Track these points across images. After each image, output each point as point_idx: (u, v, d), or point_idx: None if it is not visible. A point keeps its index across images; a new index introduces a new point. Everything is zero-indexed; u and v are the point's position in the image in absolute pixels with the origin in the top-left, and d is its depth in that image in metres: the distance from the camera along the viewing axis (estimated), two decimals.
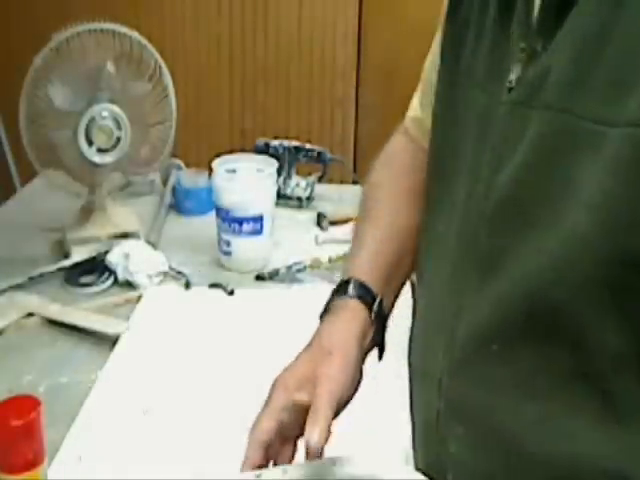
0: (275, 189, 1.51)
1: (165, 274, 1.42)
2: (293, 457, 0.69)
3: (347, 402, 0.69)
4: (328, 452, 0.64)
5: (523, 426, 0.60)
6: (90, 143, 1.43)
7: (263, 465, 0.67)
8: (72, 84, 1.43)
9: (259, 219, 1.44)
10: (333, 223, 1.63)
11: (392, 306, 0.80)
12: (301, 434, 0.66)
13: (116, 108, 1.43)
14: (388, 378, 0.93)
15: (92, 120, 1.42)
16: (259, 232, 1.45)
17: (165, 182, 1.78)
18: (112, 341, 1.21)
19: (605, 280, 0.53)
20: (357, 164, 2.54)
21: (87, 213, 1.53)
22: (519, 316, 0.58)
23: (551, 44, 0.57)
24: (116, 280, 1.40)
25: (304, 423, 0.65)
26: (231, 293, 1.37)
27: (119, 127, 1.44)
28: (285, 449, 0.68)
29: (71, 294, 1.37)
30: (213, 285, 1.39)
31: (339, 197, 1.76)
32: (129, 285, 1.39)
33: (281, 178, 1.69)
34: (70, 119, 1.43)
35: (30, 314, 1.28)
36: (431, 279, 0.73)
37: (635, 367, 0.54)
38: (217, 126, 2.77)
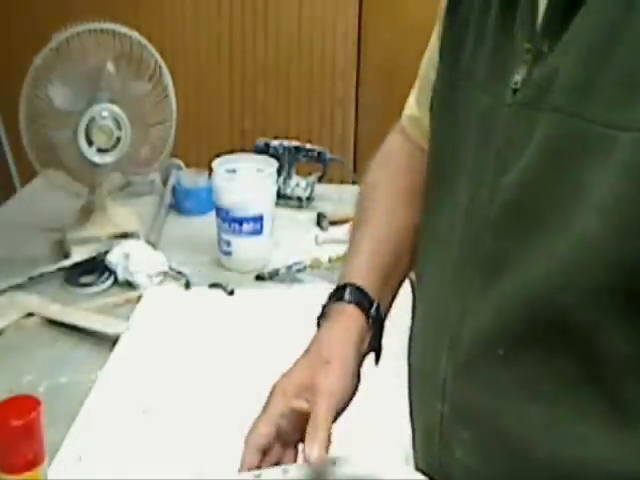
0: (275, 189, 1.51)
1: (165, 274, 1.42)
2: (296, 461, 0.69)
3: (345, 408, 0.69)
4: (328, 451, 0.64)
5: (530, 430, 0.60)
6: (90, 143, 1.43)
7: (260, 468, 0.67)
8: (72, 84, 1.43)
9: (259, 219, 1.44)
10: (333, 223, 1.63)
11: (390, 306, 0.79)
12: (301, 440, 0.66)
13: (116, 108, 1.43)
14: (388, 378, 0.93)
15: (92, 120, 1.42)
16: (259, 232, 1.45)
17: (165, 182, 1.78)
18: (112, 341, 1.21)
19: (615, 285, 0.53)
20: (357, 164, 2.54)
21: (87, 213, 1.53)
22: (525, 320, 0.58)
23: (557, 45, 0.56)
24: (116, 280, 1.40)
25: (303, 429, 0.65)
26: (231, 293, 1.37)
27: (119, 127, 1.44)
28: (287, 453, 0.68)
29: (71, 294, 1.37)
30: (213, 285, 1.39)
31: (339, 197, 1.76)
32: (129, 285, 1.39)
33: (281, 178, 1.69)
34: (70, 119, 1.43)
35: (30, 314, 1.28)
36: (431, 281, 0.72)
37: None
38: (217, 126, 2.76)
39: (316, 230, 1.63)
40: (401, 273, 0.81)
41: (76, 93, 1.43)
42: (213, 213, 1.48)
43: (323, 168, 1.75)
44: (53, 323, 1.27)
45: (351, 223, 0.86)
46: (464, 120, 0.66)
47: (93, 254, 1.45)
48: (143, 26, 1.59)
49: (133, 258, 1.39)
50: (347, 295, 0.74)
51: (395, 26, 2.62)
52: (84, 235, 1.50)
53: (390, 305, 0.79)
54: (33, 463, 0.78)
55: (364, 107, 2.74)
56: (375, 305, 0.75)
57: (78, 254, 1.45)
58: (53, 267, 1.42)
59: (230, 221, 1.43)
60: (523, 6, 0.61)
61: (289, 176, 1.73)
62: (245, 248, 1.45)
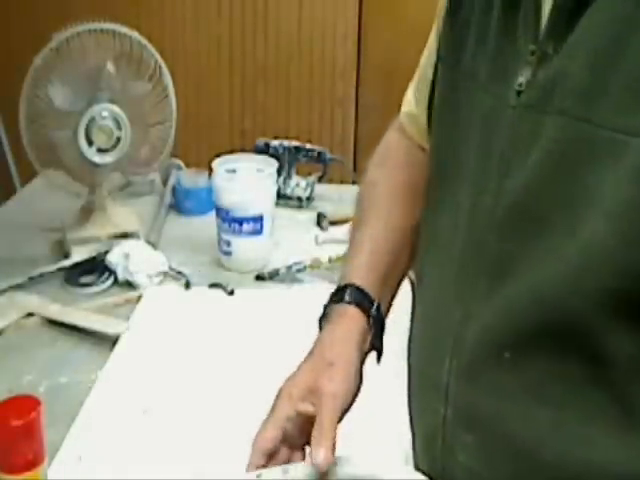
0: (275, 189, 1.51)
1: (165, 274, 1.42)
2: None
3: (349, 408, 0.69)
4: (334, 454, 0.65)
5: (536, 433, 0.59)
6: (90, 143, 1.43)
7: None
8: (72, 84, 1.43)
9: (259, 219, 1.44)
10: (333, 223, 1.63)
11: (390, 305, 0.80)
12: (307, 442, 0.66)
13: (116, 108, 1.43)
14: (388, 378, 0.93)
15: (92, 120, 1.42)
16: (259, 232, 1.45)
17: (165, 182, 1.78)
18: (112, 341, 1.21)
19: (623, 290, 0.52)
20: (357, 164, 2.54)
21: (87, 213, 1.53)
22: (532, 323, 0.57)
23: (563, 47, 0.56)
24: (116, 280, 1.40)
25: (309, 432, 0.65)
26: (231, 293, 1.37)
27: (119, 127, 1.44)
28: (294, 456, 0.68)
29: (71, 294, 1.37)
30: (213, 285, 1.39)
31: (339, 197, 1.76)
32: (129, 285, 1.39)
33: (281, 178, 1.69)
34: (70, 119, 1.43)
35: (30, 314, 1.28)
36: (432, 282, 0.72)
37: None
38: (217, 126, 2.76)
39: (316, 230, 1.63)
40: (400, 272, 0.81)
41: (76, 93, 1.43)
42: (213, 213, 1.48)
43: (323, 168, 1.75)
44: (53, 323, 1.27)
45: (351, 223, 0.86)
46: (466, 121, 0.66)
47: (93, 254, 1.45)
48: (143, 26, 1.59)
49: (133, 258, 1.39)
50: (347, 296, 0.74)
51: (395, 26, 2.62)
52: (84, 235, 1.50)
53: (390, 304, 0.80)
54: (33, 463, 0.79)
55: (364, 107, 2.74)
56: (375, 305, 0.75)
57: (78, 254, 1.45)
58: (53, 267, 1.42)
59: (230, 221, 1.43)
60: (526, 7, 0.60)
61: (289, 176, 1.73)
62: (245, 248, 1.45)
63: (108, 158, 1.46)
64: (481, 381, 0.63)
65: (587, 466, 0.57)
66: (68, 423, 1.02)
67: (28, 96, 1.42)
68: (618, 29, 0.51)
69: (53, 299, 1.32)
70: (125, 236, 1.51)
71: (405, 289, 0.84)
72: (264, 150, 1.70)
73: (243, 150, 1.67)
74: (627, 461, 0.56)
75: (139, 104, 1.49)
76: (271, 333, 1.25)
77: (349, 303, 0.74)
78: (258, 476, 0.65)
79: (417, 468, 0.71)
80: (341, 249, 1.44)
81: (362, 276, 0.76)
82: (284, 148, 1.73)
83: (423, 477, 0.64)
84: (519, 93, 0.59)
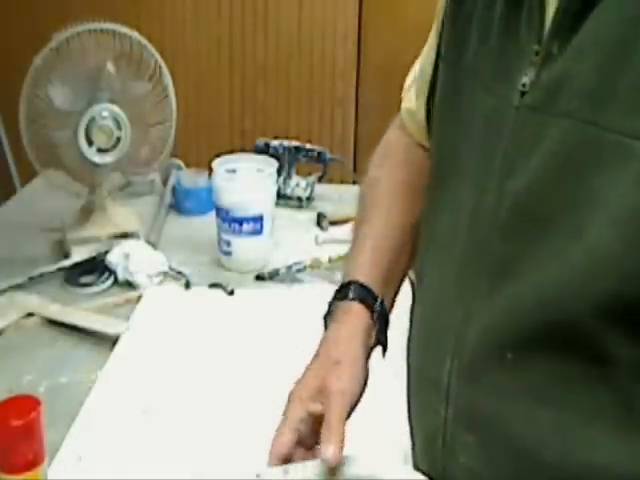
0: (275, 189, 1.51)
1: (165, 274, 1.42)
2: None
3: (357, 404, 0.70)
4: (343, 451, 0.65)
5: (538, 434, 0.59)
6: (90, 143, 1.43)
7: None
8: (72, 84, 1.43)
9: (259, 219, 1.44)
10: (333, 223, 1.63)
11: (393, 302, 0.80)
12: (317, 442, 0.67)
13: (116, 108, 1.43)
14: (388, 378, 0.93)
15: (92, 120, 1.42)
16: (259, 232, 1.45)
17: (165, 182, 1.78)
18: (112, 341, 1.21)
19: (628, 295, 0.52)
20: (357, 164, 2.54)
21: (87, 213, 1.53)
22: (533, 324, 0.57)
23: (568, 47, 0.55)
24: (116, 280, 1.40)
25: (319, 431, 0.66)
26: (231, 293, 1.37)
27: (119, 127, 1.44)
28: (309, 456, 0.69)
29: (71, 294, 1.37)
30: (213, 285, 1.39)
31: (339, 197, 1.76)
32: (129, 285, 1.39)
33: (281, 178, 1.69)
34: (70, 119, 1.43)
35: (30, 314, 1.28)
36: (433, 281, 0.72)
37: None
38: (217, 126, 2.76)
39: (316, 230, 1.63)
40: (402, 269, 0.82)
41: (76, 93, 1.43)
42: (213, 213, 1.48)
43: (323, 168, 1.75)
44: (53, 323, 1.27)
45: (353, 221, 0.86)
46: (467, 120, 0.66)
47: (93, 254, 1.45)
48: (143, 26, 1.59)
49: (133, 258, 1.39)
50: (351, 293, 0.75)
51: (395, 26, 2.62)
52: (84, 235, 1.50)
53: (393, 300, 0.80)
54: (33, 463, 0.79)
55: (364, 107, 2.74)
56: (379, 301, 0.76)
57: (78, 254, 1.45)
58: (53, 267, 1.42)
59: (230, 221, 1.43)
60: (530, 5, 0.59)
61: (289, 176, 1.73)
62: (245, 248, 1.45)
63: (108, 158, 1.46)
64: (482, 381, 0.63)
65: (588, 467, 0.57)
66: (68, 423, 1.02)
67: (28, 96, 1.42)
68: (626, 31, 0.51)
69: (53, 299, 1.32)
70: (125, 236, 1.51)
71: (405, 289, 0.84)
72: (264, 150, 1.70)
73: (243, 150, 1.67)
74: (628, 462, 0.56)
75: (139, 104, 1.49)
76: (271, 333, 1.25)
77: (353, 299, 0.75)
78: (258, 476, 0.65)
79: (416, 468, 0.71)
80: (341, 249, 1.44)
81: (365, 273, 0.77)
82: (284, 148, 1.73)
83: (423, 477, 0.64)
84: (523, 94, 0.59)
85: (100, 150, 1.45)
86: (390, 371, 0.85)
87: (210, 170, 1.51)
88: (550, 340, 0.57)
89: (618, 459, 0.56)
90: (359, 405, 0.71)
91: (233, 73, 2.74)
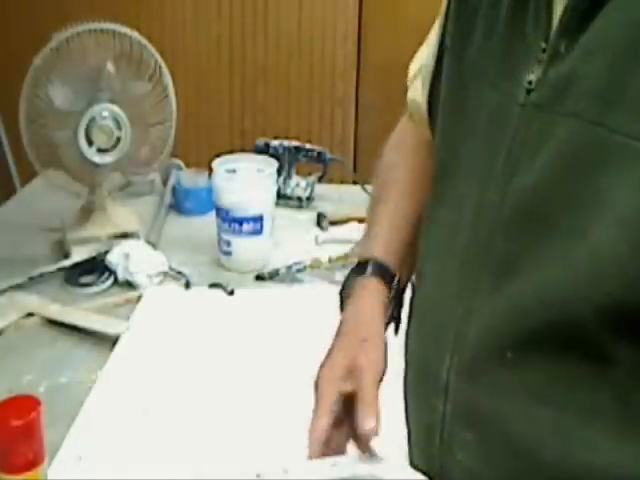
0: (275, 189, 1.51)
1: (165, 274, 1.42)
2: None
3: (384, 377, 0.72)
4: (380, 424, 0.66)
5: (537, 433, 0.59)
6: (90, 143, 1.43)
7: None
8: (72, 84, 1.43)
9: (259, 219, 1.44)
10: (333, 223, 1.63)
11: (408, 280, 0.81)
12: (350, 421, 0.69)
13: (116, 108, 1.43)
14: (388, 377, 0.93)
15: (92, 120, 1.42)
16: (259, 232, 1.45)
17: (165, 182, 1.78)
18: (112, 341, 1.21)
19: (631, 299, 0.51)
20: (357, 164, 2.54)
21: (87, 213, 1.53)
22: (534, 324, 0.57)
23: (575, 46, 0.55)
24: (116, 280, 1.40)
25: (351, 409, 0.68)
26: (231, 293, 1.37)
27: (119, 127, 1.44)
28: (343, 435, 0.71)
29: (71, 294, 1.37)
30: (213, 285, 1.39)
31: (339, 197, 1.76)
32: (129, 285, 1.39)
33: (281, 178, 1.69)
34: (70, 119, 1.43)
35: (30, 314, 1.28)
36: (433, 278, 0.72)
37: None
38: (217, 126, 2.76)
39: (316, 230, 1.63)
40: (414, 254, 0.82)
41: (76, 93, 1.43)
42: (213, 213, 1.48)
43: (323, 168, 1.75)
44: (53, 323, 1.27)
45: (369, 200, 0.88)
46: (472, 115, 0.65)
47: (93, 254, 1.45)
48: (143, 26, 1.59)
49: (133, 258, 1.39)
50: (370, 268, 0.77)
51: (395, 26, 2.62)
52: (84, 235, 1.50)
53: (408, 279, 0.81)
54: (33, 463, 0.78)
55: (364, 107, 2.74)
56: (396, 278, 0.78)
57: (78, 254, 1.45)
58: (53, 267, 1.42)
59: (230, 221, 1.43)
60: (537, 3, 0.59)
61: (289, 176, 1.73)
62: (245, 248, 1.45)
63: (108, 158, 1.46)
64: (482, 379, 0.63)
65: (588, 468, 0.57)
66: (68, 423, 1.02)
67: (28, 96, 1.42)
68: (636, 33, 0.50)
69: (53, 299, 1.32)
70: (125, 236, 1.51)
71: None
72: (264, 150, 1.70)
73: (243, 150, 1.67)
74: (628, 464, 0.56)
75: (139, 104, 1.49)
76: (271, 333, 1.25)
77: (371, 275, 0.77)
78: (258, 476, 0.65)
79: (413, 466, 0.71)
80: (341, 249, 1.44)
81: (383, 251, 0.79)
82: (284, 148, 1.73)
83: (423, 477, 0.64)
84: (529, 91, 0.58)
85: (100, 150, 1.45)
86: (390, 370, 0.85)
87: (210, 170, 1.51)
88: (551, 340, 0.57)
89: (618, 461, 0.56)
90: None
91: (233, 73, 2.74)
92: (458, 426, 0.66)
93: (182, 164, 1.80)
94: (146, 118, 1.51)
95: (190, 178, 1.72)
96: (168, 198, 1.73)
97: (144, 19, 2.56)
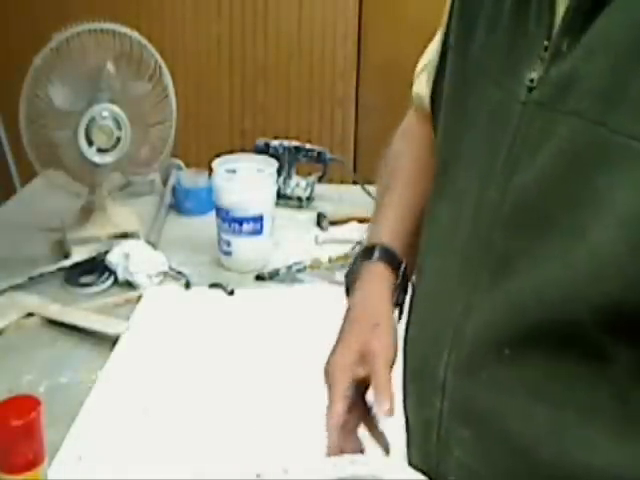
0: (275, 189, 1.51)
1: (165, 274, 1.42)
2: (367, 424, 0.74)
3: (395, 360, 0.73)
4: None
5: (534, 431, 0.59)
6: (90, 143, 1.43)
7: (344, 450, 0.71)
8: (72, 84, 1.43)
9: (259, 219, 1.44)
10: (333, 223, 1.63)
11: (413, 268, 0.82)
12: (361, 404, 0.70)
13: (116, 108, 1.43)
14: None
15: (92, 120, 1.42)
16: (259, 232, 1.45)
17: (165, 182, 1.78)
18: (112, 341, 1.21)
19: (629, 300, 0.51)
20: (357, 164, 2.54)
21: (87, 213, 1.53)
22: (531, 321, 0.57)
23: (578, 45, 0.55)
24: (116, 280, 1.40)
25: (364, 393, 0.71)
26: (231, 293, 1.37)
27: (119, 127, 1.44)
28: (358, 419, 0.73)
29: (71, 294, 1.37)
30: (213, 285, 1.39)
31: (339, 197, 1.76)
32: (129, 285, 1.39)
33: (281, 178, 1.69)
34: (70, 119, 1.43)
35: (30, 314, 1.28)
36: (433, 273, 0.72)
37: None
38: (217, 126, 2.76)
39: (316, 230, 1.63)
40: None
41: (76, 93, 1.43)
42: (213, 213, 1.48)
43: (323, 168, 1.75)
44: (53, 323, 1.27)
45: (377, 187, 0.90)
46: (473, 112, 0.65)
47: (93, 254, 1.45)
48: (143, 26, 1.59)
49: (133, 258, 1.39)
50: (377, 254, 0.79)
51: (395, 26, 2.62)
52: (84, 235, 1.50)
53: (413, 267, 0.82)
54: (33, 463, 0.78)
55: (364, 107, 2.74)
56: (404, 265, 0.79)
57: (78, 254, 1.45)
58: (53, 267, 1.42)
59: (230, 221, 1.43)
60: (540, 0, 0.59)
61: (289, 176, 1.73)
62: (245, 248, 1.45)
63: (108, 158, 1.46)
64: (479, 376, 0.63)
65: (586, 468, 0.57)
66: (68, 423, 1.02)
67: (28, 96, 1.42)
68: (638, 34, 0.50)
69: (53, 299, 1.32)
70: (125, 236, 1.51)
71: None
72: (264, 150, 1.70)
73: (243, 150, 1.67)
74: (626, 465, 0.55)
75: (139, 104, 1.49)
76: (271, 333, 1.25)
77: (378, 260, 0.78)
78: (258, 476, 0.65)
79: (411, 465, 0.71)
80: (341, 249, 1.44)
81: (389, 237, 0.80)
82: (284, 148, 1.73)
83: (423, 477, 0.64)
84: (530, 89, 0.58)
85: (100, 150, 1.45)
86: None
87: (210, 170, 1.51)
88: (548, 338, 0.57)
89: (616, 461, 0.56)
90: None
91: (233, 73, 2.74)
92: (455, 423, 0.66)
93: (182, 164, 1.80)
94: (146, 118, 1.51)
95: (190, 178, 1.72)
96: (168, 198, 1.73)
97: (144, 19, 2.56)
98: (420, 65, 0.87)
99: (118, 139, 1.45)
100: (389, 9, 2.64)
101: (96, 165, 1.46)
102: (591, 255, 0.52)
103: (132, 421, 1.04)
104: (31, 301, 1.31)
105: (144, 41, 1.47)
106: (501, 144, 0.61)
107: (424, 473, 0.64)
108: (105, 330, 1.23)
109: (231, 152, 1.54)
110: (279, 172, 1.56)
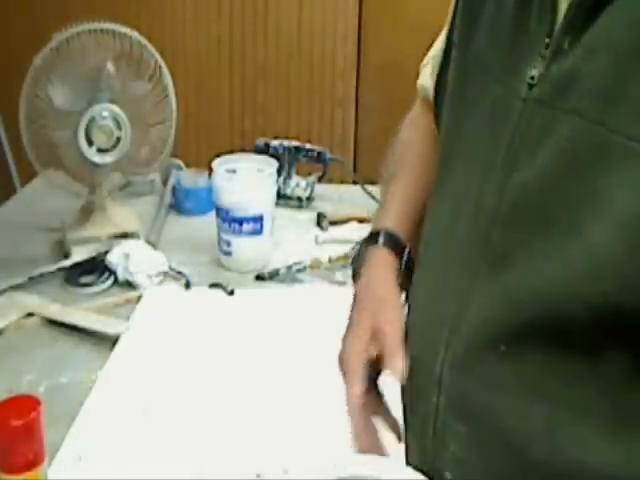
0: (275, 189, 1.51)
1: (165, 274, 1.42)
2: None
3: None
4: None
5: (529, 428, 0.59)
6: (90, 143, 1.43)
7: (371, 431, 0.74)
8: (72, 84, 1.43)
9: (259, 219, 1.44)
10: (333, 223, 1.63)
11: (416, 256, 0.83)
12: (376, 392, 0.74)
13: (116, 108, 1.43)
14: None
15: (92, 120, 1.42)
16: (259, 232, 1.45)
17: (165, 182, 1.78)
18: (112, 341, 1.21)
19: (624, 301, 0.51)
20: (357, 164, 2.54)
21: (87, 213, 1.53)
22: (527, 318, 0.57)
23: (579, 43, 0.55)
24: (116, 280, 1.40)
25: (376, 379, 0.73)
26: (231, 293, 1.37)
27: (119, 127, 1.44)
28: (374, 397, 0.75)
29: (71, 294, 1.37)
30: (213, 285, 1.39)
31: (339, 197, 1.76)
32: (129, 285, 1.39)
33: (281, 178, 1.69)
34: (70, 119, 1.43)
35: (30, 314, 1.28)
36: (432, 267, 0.72)
37: None
38: (217, 126, 2.77)
39: (316, 230, 1.63)
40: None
41: (76, 93, 1.43)
42: (213, 213, 1.48)
43: (323, 168, 1.75)
44: (53, 323, 1.27)
45: (384, 174, 0.91)
46: (474, 108, 0.66)
47: (93, 254, 1.45)
48: (143, 26, 1.59)
49: (133, 258, 1.39)
50: (382, 239, 0.80)
51: (395, 26, 2.62)
52: (84, 235, 1.50)
53: (416, 253, 0.82)
54: (33, 463, 0.78)
55: (364, 107, 2.74)
56: (407, 250, 0.80)
57: (78, 254, 1.45)
58: (53, 267, 1.42)
59: (230, 221, 1.43)
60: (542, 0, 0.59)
61: (289, 176, 1.73)
62: (245, 248, 1.45)
63: (108, 158, 1.46)
64: (475, 372, 0.63)
65: (579, 466, 0.57)
66: (68, 423, 1.02)
67: (28, 96, 1.42)
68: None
69: (53, 299, 1.32)
70: (125, 236, 1.51)
71: None
72: (264, 150, 1.70)
73: (243, 150, 1.66)
74: (620, 463, 0.56)
75: (139, 104, 1.49)
76: (271, 333, 1.25)
77: (383, 245, 0.79)
78: (258, 476, 0.65)
79: (408, 464, 0.71)
80: (341, 249, 1.44)
81: (395, 223, 0.82)
82: (284, 148, 1.73)
83: (423, 477, 0.64)
84: (531, 86, 0.58)
85: (100, 150, 1.45)
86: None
87: (210, 170, 1.51)
88: (543, 335, 0.57)
89: (610, 459, 0.56)
90: None
91: (233, 73, 2.74)
92: (451, 418, 0.66)
93: (182, 164, 1.80)
94: (146, 118, 1.51)
95: (190, 178, 1.72)
96: (168, 198, 1.73)
97: (144, 19, 2.56)
98: (425, 60, 0.88)
99: (118, 139, 1.45)
100: (389, 9, 2.64)
101: (96, 165, 1.46)
102: (589, 254, 0.52)
103: (132, 421, 1.04)
104: (31, 301, 1.31)
105: (144, 41, 1.47)
106: (501, 140, 0.61)
107: (423, 473, 0.65)
108: (105, 330, 1.23)
109: (231, 152, 1.54)
110: (279, 172, 1.56)
